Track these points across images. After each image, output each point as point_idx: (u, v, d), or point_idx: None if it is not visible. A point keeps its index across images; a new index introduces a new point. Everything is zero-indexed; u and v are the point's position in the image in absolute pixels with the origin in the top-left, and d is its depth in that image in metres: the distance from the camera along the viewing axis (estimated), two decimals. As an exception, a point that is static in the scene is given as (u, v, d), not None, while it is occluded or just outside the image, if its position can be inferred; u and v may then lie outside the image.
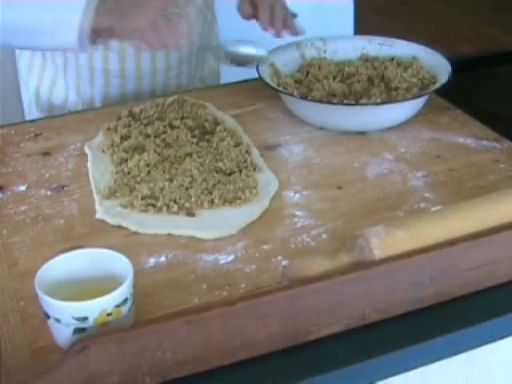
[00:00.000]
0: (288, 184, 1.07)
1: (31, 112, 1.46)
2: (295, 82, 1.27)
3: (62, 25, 1.10)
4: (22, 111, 1.51)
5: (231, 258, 0.91)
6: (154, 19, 1.11)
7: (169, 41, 1.13)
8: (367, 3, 3.02)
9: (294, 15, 1.35)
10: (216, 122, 1.21)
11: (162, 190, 1.02)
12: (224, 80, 1.54)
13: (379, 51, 1.35)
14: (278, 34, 1.31)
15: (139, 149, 1.13)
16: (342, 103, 1.18)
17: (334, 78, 1.27)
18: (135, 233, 0.97)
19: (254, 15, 1.33)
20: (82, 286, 0.79)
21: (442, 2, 4.17)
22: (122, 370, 0.71)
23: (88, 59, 1.36)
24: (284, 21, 1.31)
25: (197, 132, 1.18)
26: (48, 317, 0.75)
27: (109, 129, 1.20)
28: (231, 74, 1.36)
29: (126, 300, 0.75)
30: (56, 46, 1.16)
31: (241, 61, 1.26)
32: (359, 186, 1.06)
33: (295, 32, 1.33)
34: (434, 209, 0.99)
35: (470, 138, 1.17)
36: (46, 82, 1.42)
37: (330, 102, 1.18)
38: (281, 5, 1.33)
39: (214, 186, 1.03)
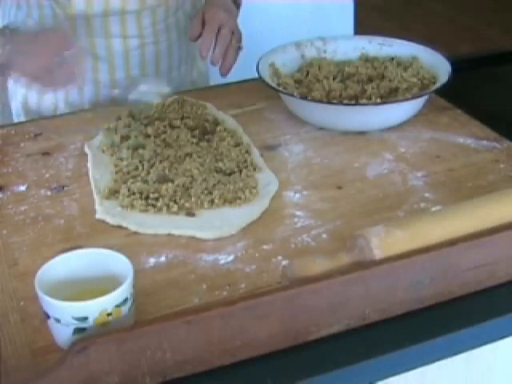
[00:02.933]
0: (288, 184, 1.07)
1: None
2: (295, 82, 1.27)
3: None
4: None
5: (231, 258, 0.91)
6: (47, 64, 1.10)
7: (62, 83, 1.13)
8: (367, 3, 3.02)
9: (239, 47, 1.29)
10: (216, 122, 1.21)
11: (161, 190, 1.02)
12: (213, 82, 1.54)
13: (379, 51, 1.35)
14: (218, 65, 1.26)
15: (139, 149, 1.13)
16: (341, 103, 1.18)
17: (334, 78, 1.27)
18: (135, 233, 0.97)
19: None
20: (82, 286, 0.79)
21: (442, 2, 4.17)
22: (122, 370, 0.71)
23: None
24: (226, 49, 1.26)
25: (197, 132, 1.18)
26: (48, 317, 0.75)
27: (109, 129, 1.20)
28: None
29: (125, 300, 0.75)
30: None
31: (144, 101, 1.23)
32: (359, 185, 1.06)
33: (225, 70, 1.26)
34: (433, 209, 0.99)
35: (470, 138, 1.17)
36: (33, 93, 1.40)
37: (329, 102, 1.18)
38: (229, 28, 1.27)
39: (214, 186, 1.03)
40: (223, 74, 1.28)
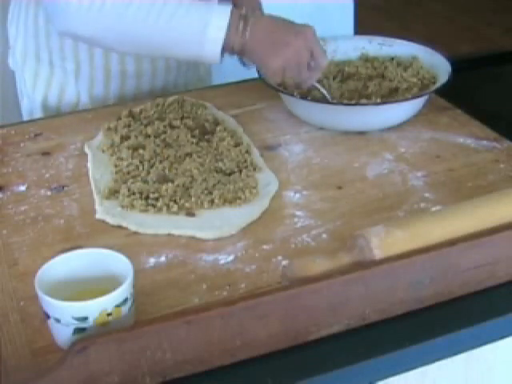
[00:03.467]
0: (288, 184, 1.07)
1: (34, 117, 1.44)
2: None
3: (206, 39, 1.09)
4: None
5: (231, 258, 0.91)
6: (285, 64, 1.11)
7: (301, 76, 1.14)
8: (367, 3, 3.02)
9: None
10: (216, 122, 1.21)
11: (161, 190, 1.02)
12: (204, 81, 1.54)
13: (379, 51, 1.35)
14: None
15: (139, 149, 1.13)
16: (341, 103, 1.18)
17: (333, 78, 1.27)
18: (135, 233, 0.97)
19: None
20: (82, 286, 0.79)
21: (442, 2, 4.17)
22: (122, 370, 0.71)
23: (103, 61, 1.35)
24: None
25: (197, 132, 1.18)
26: (48, 317, 0.75)
27: (109, 129, 1.20)
28: (225, 73, 1.35)
29: (125, 300, 0.75)
30: (192, 57, 1.15)
31: None
32: (359, 185, 1.06)
33: None
34: (433, 209, 0.99)
35: (469, 138, 1.17)
36: (54, 90, 1.39)
37: (329, 102, 1.18)
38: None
39: (214, 186, 1.03)
40: None
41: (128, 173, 1.07)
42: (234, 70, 1.30)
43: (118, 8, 1.08)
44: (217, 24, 1.08)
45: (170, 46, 1.12)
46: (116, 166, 1.10)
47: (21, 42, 1.38)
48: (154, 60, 1.38)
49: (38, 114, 1.41)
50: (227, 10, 1.09)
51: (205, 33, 1.08)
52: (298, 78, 1.15)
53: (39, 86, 1.40)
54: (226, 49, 1.10)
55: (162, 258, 0.92)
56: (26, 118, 1.45)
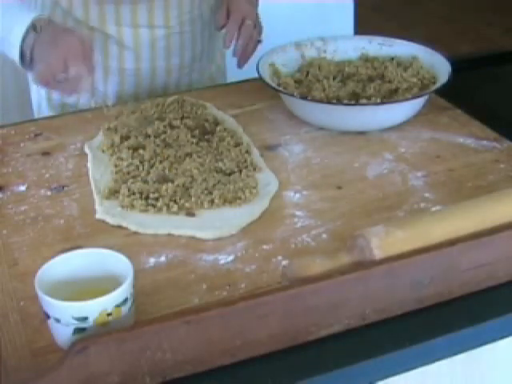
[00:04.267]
0: (288, 184, 1.07)
1: (42, 112, 1.46)
2: (295, 82, 1.27)
3: (8, 40, 1.13)
4: (32, 111, 1.51)
5: (231, 258, 0.91)
6: (45, 79, 1.12)
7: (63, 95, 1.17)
8: (367, 3, 3.02)
9: (259, 41, 1.32)
10: (216, 122, 1.21)
11: (161, 190, 1.02)
12: (230, 78, 1.54)
13: (379, 51, 1.35)
14: (238, 57, 1.29)
15: (139, 149, 1.12)
16: (341, 103, 1.18)
17: (334, 78, 1.27)
18: (135, 233, 0.97)
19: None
20: (82, 286, 0.79)
21: (442, 2, 4.17)
22: (122, 370, 0.71)
23: (103, 58, 1.36)
24: (247, 42, 1.29)
25: (197, 132, 1.18)
26: (48, 317, 0.75)
27: (109, 129, 1.20)
28: (238, 72, 1.35)
29: (125, 300, 0.75)
30: (12, 58, 1.16)
31: None
32: (359, 185, 1.06)
33: (243, 62, 1.29)
34: (433, 209, 0.99)
35: (470, 138, 1.17)
36: None
37: (329, 102, 1.18)
38: (252, 20, 1.30)
39: (214, 186, 1.03)
40: (240, 66, 1.30)
41: (128, 173, 1.07)
42: (233, 71, 1.31)
43: None
44: (17, 31, 1.12)
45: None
46: (116, 166, 1.10)
47: None
48: (169, 58, 1.40)
49: (46, 107, 1.44)
50: (29, 18, 1.13)
51: (8, 38, 1.13)
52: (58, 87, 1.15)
53: None
54: (24, 55, 1.13)
55: (162, 258, 0.92)
56: (35, 109, 1.48)
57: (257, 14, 1.34)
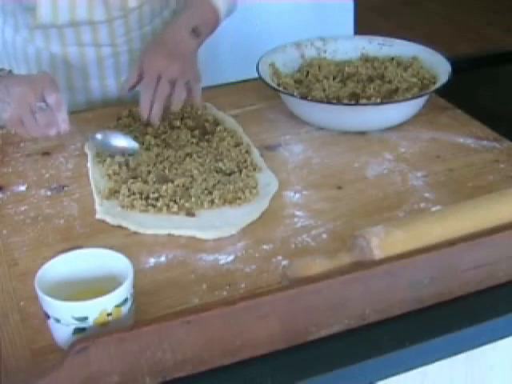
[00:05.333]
0: (288, 184, 1.07)
1: None
2: (295, 82, 1.27)
3: None
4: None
5: (231, 258, 0.91)
6: (18, 115, 1.06)
7: (43, 129, 1.07)
8: (367, 3, 3.02)
9: (188, 82, 1.16)
10: (216, 122, 1.21)
11: (161, 190, 1.02)
12: (230, 78, 1.53)
13: (379, 51, 1.36)
14: (156, 122, 1.14)
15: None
16: (342, 103, 1.18)
17: (334, 78, 1.28)
18: (135, 233, 0.97)
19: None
20: (82, 286, 0.79)
21: (442, 2, 4.17)
22: (122, 370, 0.71)
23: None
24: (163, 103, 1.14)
25: (197, 132, 1.18)
26: (48, 317, 0.75)
27: (109, 129, 1.20)
28: (238, 72, 1.34)
29: (125, 300, 0.75)
30: None
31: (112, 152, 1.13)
32: (359, 186, 1.06)
33: (156, 120, 1.14)
34: (433, 209, 0.99)
35: (470, 138, 1.17)
36: None
37: (329, 102, 1.18)
38: (168, 77, 1.13)
39: (214, 186, 1.03)
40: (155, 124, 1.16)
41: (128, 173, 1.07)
42: (233, 71, 1.30)
43: None
44: None
45: None
46: (116, 166, 1.10)
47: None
48: (102, 78, 1.37)
49: None
50: None
51: None
52: (33, 124, 1.07)
53: None
54: None
55: (162, 258, 0.92)
56: None
57: (183, 62, 1.17)
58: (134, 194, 1.02)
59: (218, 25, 1.28)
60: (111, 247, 0.82)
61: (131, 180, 1.05)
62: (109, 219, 0.99)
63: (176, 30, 1.22)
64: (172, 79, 1.14)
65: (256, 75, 1.24)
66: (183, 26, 1.22)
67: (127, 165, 1.09)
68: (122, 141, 1.13)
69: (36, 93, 1.05)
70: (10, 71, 1.12)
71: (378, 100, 1.18)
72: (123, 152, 1.12)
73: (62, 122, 1.07)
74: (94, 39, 1.32)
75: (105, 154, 1.12)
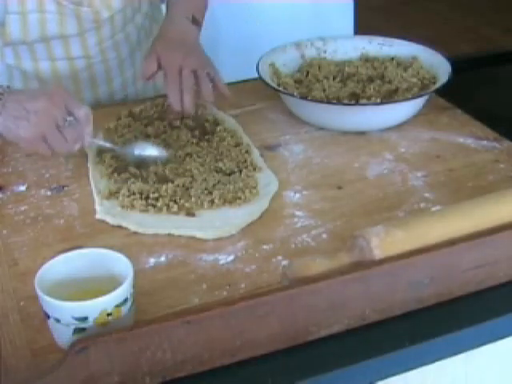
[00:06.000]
0: (288, 184, 1.07)
1: None
2: (295, 82, 1.27)
3: None
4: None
5: (231, 258, 0.91)
6: (41, 132, 1.00)
7: (70, 145, 1.03)
8: (367, 3, 3.02)
9: (209, 74, 1.18)
10: (216, 122, 1.21)
11: (161, 190, 1.02)
12: (230, 78, 1.52)
13: (379, 51, 1.36)
14: (191, 113, 1.16)
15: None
16: (342, 103, 1.18)
17: (334, 78, 1.28)
18: (135, 233, 0.97)
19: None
20: (82, 286, 0.79)
21: (442, 2, 4.17)
22: (122, 370, 0.71)
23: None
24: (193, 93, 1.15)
25: (197, 132, 1.18)
26: (48, 317, 0.75)
27: (109, 129, 1.20)
28: (238, 72, 1.34)
29: (125, 300, 0.75)
30: None
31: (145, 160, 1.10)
32: (359, 186, 1.06)
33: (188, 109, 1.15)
34: (433, 209, 0.99)
35: (470, 138, 1.17)
36: None
37: (329, 102, 1.18)
38: (189, 69, 1.16)
39: (214, 186, 1.03)
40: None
41: (128, 173, 1.07)
42: (233, 71, 1.30)
43: None
44: None
45: None
46: (116, 166, 1.10)
47: None
48: (78, 92, 1.33)
49: None
50: None
51: None
52: (60, 140, 1.02)
53: None
54: None
55: (162, 258, 0.92)
56: None
57: (195, 52, 1.21)
58: (133, 193, 1.02)
59: (206, 10, 1.30)
60: (111, 247, 0.82)
61: (131, 180, 1.05)
62: (109, 219, 0.99)
63: (178, 21, 1.24)
64: (193, 70, 1.16)
65: (256, 75, 1.24)
66: (183, 16, 1.24)
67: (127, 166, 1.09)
68: (149, 149, 1.11)
69: (60, 107, 1.00)
70: (9, 86, 1.04)
71: (378, 100, 1.18)
72: (154, 160, 1.09)
73: (87, 135, 1.04)
74: (65, 52, 1.28)
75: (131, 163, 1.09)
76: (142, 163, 1.09)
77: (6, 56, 1.28)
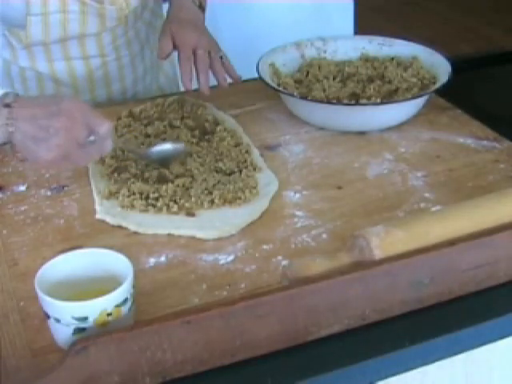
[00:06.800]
0: (288, 184, 1.07)
1: None
2: (295, 81, 1.27)
3: None
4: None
5: (231, 258, 0.91)
6: (64, 153, 0.93)
7: (85, 163, 1.03)
8: (367, 3, 3.02)
9: (221, 57, 1.23)
10: (216, 122, 1.21)
11: (161, 190, 1.02)
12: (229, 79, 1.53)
13: (379, 51, 1.36)
14: (206, 92, 1.20)
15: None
16: (341, 103, 1.18)
17: (334, 78, 1.28)
18: (135, 233, 0.97)
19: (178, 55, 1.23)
20: (82, 286, 0.79)
21: (442, 2, 4.17)
22: (122, 370, 0.71)
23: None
24: (206, 73, 1.20)
25: (197, 132, 1.18)
26: (48, 317, 0.75)
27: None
28: (238, 72, 1.34)
29: (125, 300, 0.75)
30: None
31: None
32: (359, 186, 1.06)
33: (221, 86, 1.21)
34: (433, 209, 0.99)
35: (470, 138, 1.17)
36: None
37: (329, 102, 1.18)
38: (203, 49, 1.20)
39: (214, 186, 1.03)
40: (221, 85, 1.24)
41: (128, 172, 1.07)
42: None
43: None
44: None
45: None
46: (116, 166, 1.10)
47: None
48: (92, 90, 1.35)
49: None
50: None
51: None
52: (83, 158, 0.98)
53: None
54: None
55: (162, 258, 0.92)
56: None
57: (205, 34, 1.26)
58: (134, 194, 1.02)
59: None
60: (111, 247, 0.82)
61: (131, 180, 1.05)
62: (109, 219, 0.99)
63: (188, 5, 1.27)
64: (206, 49, 1.20)
65: (256, 75, 1.24)
66: (190, 0, 1.27)
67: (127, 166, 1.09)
68: (168, 145, 1.11)
69: (82, 126, 0.94)
70: (17, 94, 0.96)
71: (378, 100, 1.18)
72: (176, 155, 1.09)
73: (107, 147, 0.99)
74: (81, 52, 1.30)
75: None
76: (165, 161, 1.09)
77: (20, 58, 1.28)
